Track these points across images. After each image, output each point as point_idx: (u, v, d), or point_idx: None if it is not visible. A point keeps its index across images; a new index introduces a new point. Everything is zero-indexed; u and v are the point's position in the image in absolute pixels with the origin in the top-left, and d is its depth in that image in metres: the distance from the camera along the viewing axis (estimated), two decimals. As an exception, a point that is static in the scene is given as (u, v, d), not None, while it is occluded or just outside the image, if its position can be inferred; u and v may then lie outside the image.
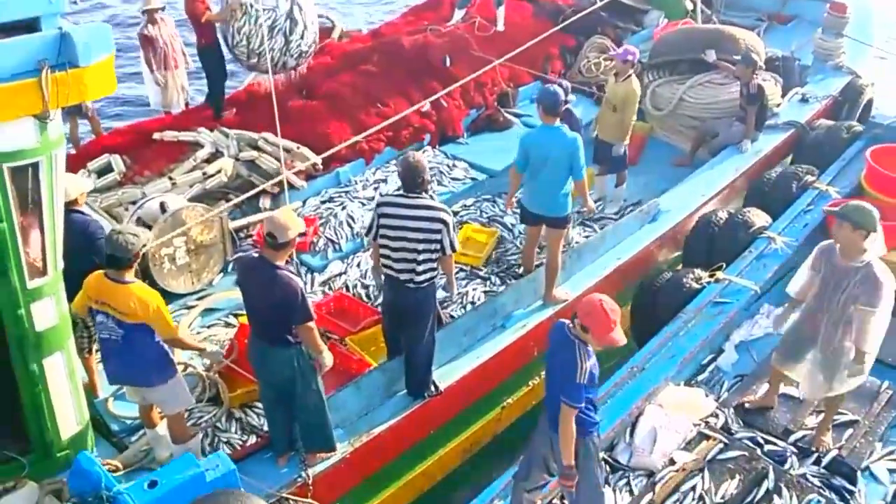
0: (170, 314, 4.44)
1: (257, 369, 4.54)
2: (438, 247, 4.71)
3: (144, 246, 4.49)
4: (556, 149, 5.53)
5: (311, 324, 4.27)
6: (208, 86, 8.78)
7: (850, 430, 5.18)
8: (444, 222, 4.68)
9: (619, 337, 3.87)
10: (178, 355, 5.38)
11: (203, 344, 5.12)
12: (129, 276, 4.36)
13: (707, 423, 5.19)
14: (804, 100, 8.88)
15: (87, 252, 4.76)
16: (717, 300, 6.00)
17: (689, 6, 10.74)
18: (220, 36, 8.41)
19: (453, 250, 4.81)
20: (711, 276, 6.23)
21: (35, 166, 3.85)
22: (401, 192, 4.89)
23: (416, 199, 4.72)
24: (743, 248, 6.54)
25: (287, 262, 4.34)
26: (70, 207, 4.80)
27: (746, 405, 5.34)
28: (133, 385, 4.66)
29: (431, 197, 5.12)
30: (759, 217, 6.82)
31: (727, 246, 6.60)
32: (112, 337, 4.43)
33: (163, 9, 8.89)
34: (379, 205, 4.85)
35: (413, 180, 4.73)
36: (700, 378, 5.61)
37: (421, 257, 4.70)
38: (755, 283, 6.12)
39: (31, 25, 3.62)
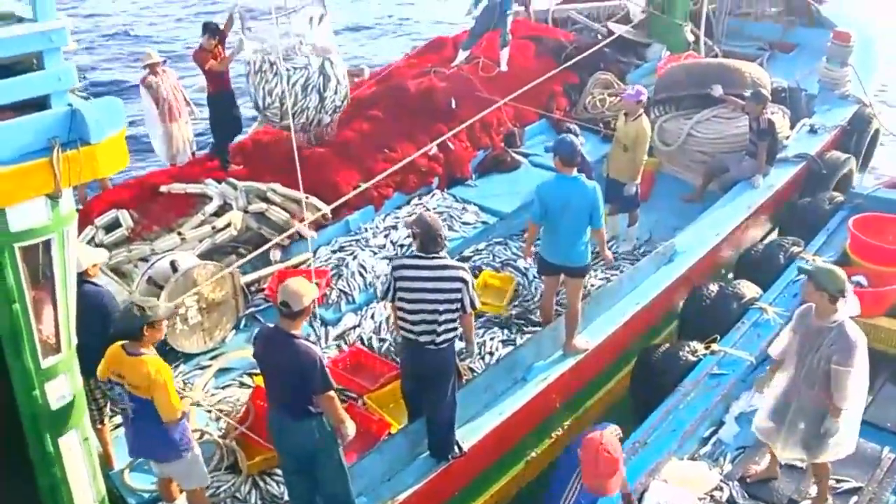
0: (176, 394, 4.28)
1: (277, 442, 4.42)
2: (459, 305, 4.63)
3: (158, 316, 4.36)
4: (575, 199, 5.46)
5: (332, 393, 4.17)
6: (213, 135, 8.73)
7: (854, 498, 5.08)
8: (464, 280, 4.61)
9: (607, 488, 3.83)
10: (194, 422, 5.28)
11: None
12: (144, 348, 4.26)
13: (712, 496, 5.09)
14: (813, 131, 8.85)
15: (101, 324, 4.66)
16: (714, 372, 5.97)
17: (691, 38, 10.78)
18: (231, 84, 8.36)
19: (473, 308, 4.72)
20: (707, 347, 6.19)
21: (47, 243, 3.76)
22: (415, 253, 4.80)
23: (433, 260, 4.64)
24: (736, 319, 6.52)
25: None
26: (82, 278, 4.72)
27: (749, 477, 5.26)
28: (149, 458, 4.54)
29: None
30: (749, 289, 6.81)
31: (720, 318, 6.59)
32: (127, 410, 4.36)
33: (164, 62, 8.91)
34: (395, 268, 4.75)
35: (432, 239, 4.65)
36: (703, 451, 5.53)
37: (442, 318, 4.61)
38: (750, 353, 6.11)
39: (40, 103, 3.55)
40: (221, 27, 8.35)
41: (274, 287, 6.80)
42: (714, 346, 6.16)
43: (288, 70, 7.58)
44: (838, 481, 5.13)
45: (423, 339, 4.65)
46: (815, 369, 4.62)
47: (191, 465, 4.38)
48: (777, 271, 7.17)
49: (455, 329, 4.70)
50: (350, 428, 4.26)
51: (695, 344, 6.23)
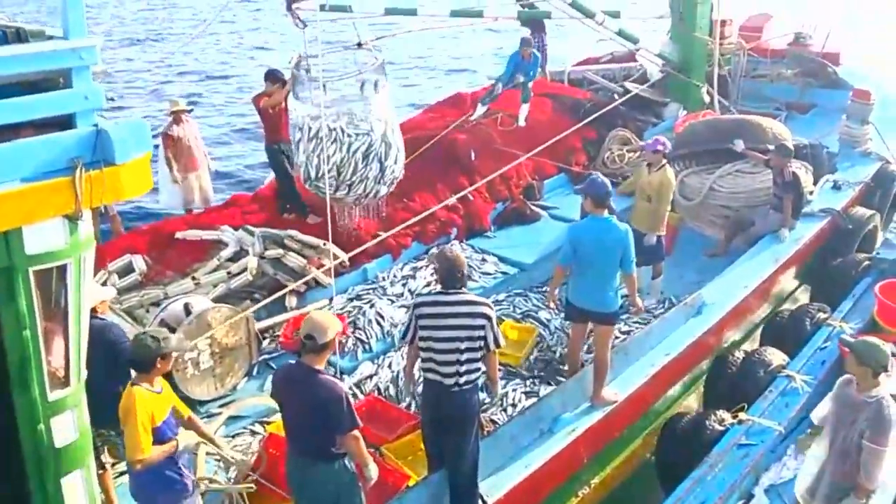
0: (140, 438, 3.97)
1: (296, 487, 4.15)
2: (482, 343, 4.43)
3: (170, 347, 4.16)
4: (607, 241, 5.32)
5: (357, 432, 3.94)
6: (278, 184, 8.38)
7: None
8: (488, 317, 4.43)
9: None
10: (201, 469, 5.01)
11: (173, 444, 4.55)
12: (147, 382, 4.06)
13: None
14: (836, 187, 8.76)
15: (108, 360, 4.47)
16: (742, 442, 5.73)
17: (707, 99, 10.82)
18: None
19: (497, 346, 4.52)
20: (734, 416, 5.97)
21: (62, 269, 3.61)
22: (437, 290, 4.65)
23: (455, 296, 4.48)
24: (763, 387, 6.31)
25: None
26: (90, 315, 4.56)
27: None
28: None
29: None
30: (775, 356, 6.62)
31: (747, 386, 6.38)
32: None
33: (190, 111, 8.95)
34: (416, 305, 4.59)
35: (453, 275, 4.50)
36: None
37: (464, 357, 4.41)
38: (779, 423, 5.88)
39: (65, 122, 3.46)
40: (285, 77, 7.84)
41: (289, 334, 6.61)
42: (742, 416, 5.95)
43: (349, 136, 6.95)
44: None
45: (447, 380, 4.44)
46: (849, 444, 4.47)
47: None
48: (804, 338, 6.98)
49: (478, 370, 4.49)
50: (373, 471, 4.02)
51: (721, 413, 6.03)
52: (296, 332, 6.34)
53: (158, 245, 7.88)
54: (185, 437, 4.42)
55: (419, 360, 4.60)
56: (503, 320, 6.89)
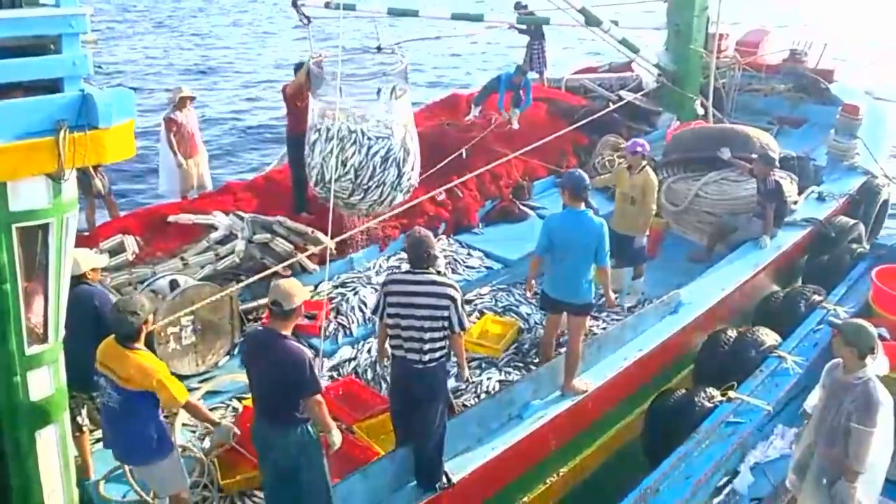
0: (177, 384, 4.21)
1: (260, 451, 4.28)
2: (446, 324, 4.52)
3: (154, 315, 4.32)
4: (582, 233, 5.44)
5: (320, 397, 4.06)
6: (293, 174, 8.33)
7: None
8: (452, 298, 4.51)
9: None
10: (177, 436, 5.14)
11: (217, 419, 4.86)
12: (138, 344, 4.22)
13: None
14: (821, 198, 8.89)
15: (96, 323, 4.62)
16: (730, 420, 5.84)
17: (701, 111, 10.97)
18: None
19: (462, 328, 4.61)
20: (724, 395, 6.08)
21: (45, 228, 3.75)
22: (406, 269, 4.77)
23: (422, 275, 4.58)
24: (754, 367, 6.42)
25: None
26: (81, 281, 4.72)
27: None
28: (129, 464, 4.41)
29: (439, 273, 4.96)
30: (768, 336, 6.74)
31: (738, 365, 6.49)
32: (110, 403, 4.28)
33: (193, 98, 9.13)
34: (385, 283, 4.71)
35: (419, 255, 4.61)
36: (716, 501, 5.36)
37: (427, 336, 4.51)
38: (768, 402, 5.99)
39: (53, 86, 3.61)
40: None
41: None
42: (731, 394, 6.04)
43: (369, 139, 6.76)
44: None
45: (410, 356, 4.55)
46: (835, 427, 4.49)
47: (171, 466, 4.24)
48: (798, 320, 7.06)
49: (443, 349, 4.59)
50: (336, 436, 4.14)
51: (711, 390, 6.11)
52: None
53: (151, 227, 8.01)
54: (226, 422, 4.81)
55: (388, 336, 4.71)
56: (484, 313, 7.02)
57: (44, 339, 3.92)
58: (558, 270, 5.60)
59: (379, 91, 6.69)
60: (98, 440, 5.31)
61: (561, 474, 5.84)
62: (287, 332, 4.07)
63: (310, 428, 4.09)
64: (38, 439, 3.99)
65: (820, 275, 8.17)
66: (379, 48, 7.43)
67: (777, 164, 8.12)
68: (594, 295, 5.73)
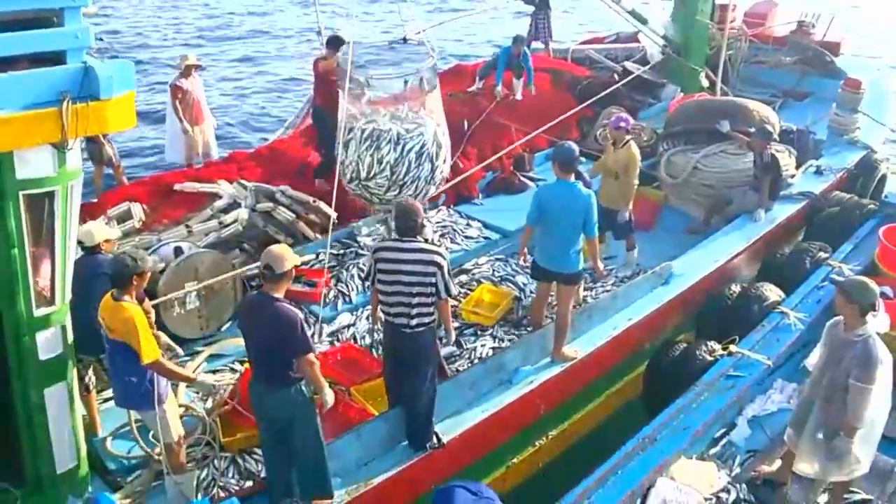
0: (150, 342, 4.34)
1: (257, 411, 4.49)
2: (433, 290, 4.68)
3: (145, 267, 4.48)
4: (571, 205, 5.57)
5: (312, 357, 4.25)
6: (323, 147, 8.51)
7: (863, 510, 5.02)
8: (438, 265, 4.66)
9: None
10: (181, 396, 5.36)
11: (192, 375, 5.04)
12: (128, 295, 4.40)
13: (718, 497, 5.05)
14: (818, 172, 8.93)
15: (105, 292, 4.86)
16: (730, 373, 5.96)
17: (706, 83, 10.97)
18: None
19: (448, 294, 4.76)
20: (725, 348, 6.21)
21: (51, 196, 3.93)
22: (395, 237, 4.92)
23: (409, 243, 4.73)
24: (756, 322, 6.52)
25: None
26: (95, 251, 4.93)
27: (755, 474, 5.24)
28: (126, 407, 4.69)
29: (427, 241, 5.08)
30: (772, 292, 6.84)
31: (740, 319, 6.59)
32: (107, 352, 4.52)
33: (199, 66, 9.24)
34: (375, 250, 4.89)
35: (406, 223, 4.76)
36: (712, 452, 5.51)
37: (415, 300, 4.68)
38: (768, 357, 6.10)
39: (56, 58, 3.75)
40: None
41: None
42: (732, 348, 6.16)
43: (404, 137, 6.80)
44: (848, 492, 5.05)
45: (398, 320, 4.74)
46: (834, 383, 4.54)
47: (161, 417, 4.45)
48: (802, 276, 7.13)
49: (430, 314, 4.75)
50: (329, 395, 4.33)
51: (712, 344, 6.23)
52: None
53: (157, 195, 8.19)
54: (204, 378, 5.04)
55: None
56: (481, 282, 7.18)
57: (51, 301, 4.13)
58: (548, 241, 5.75)
59: (406, 82, 6.79)
60: (106, 399, 5.58)
61: (550, 437, 6.04)
62: (279, 294, 4.24)
63: (303, 387, 4.28)
64: (47, 396, 4.22)
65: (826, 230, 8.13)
66: (405, 39, 7.49)
67: (776, 137, 8.17)
68: (584, 265, 5.87)
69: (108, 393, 5.55)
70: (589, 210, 5.56)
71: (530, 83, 10.29)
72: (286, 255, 4.26)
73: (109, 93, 3.73)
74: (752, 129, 8.18)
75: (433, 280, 4.64)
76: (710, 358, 6.12)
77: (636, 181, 7.21)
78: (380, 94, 6.82)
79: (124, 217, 7.72)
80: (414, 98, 6.84)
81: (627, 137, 7.20)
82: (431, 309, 4.74)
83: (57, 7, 3.70)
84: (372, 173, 6.79)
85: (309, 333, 4.23)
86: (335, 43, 8.10)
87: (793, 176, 8.65)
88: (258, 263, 6.79)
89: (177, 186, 8.24)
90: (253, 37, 21.26)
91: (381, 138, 6.75)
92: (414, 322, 4.70)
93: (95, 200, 8.32)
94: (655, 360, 6.44)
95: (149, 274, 4.54)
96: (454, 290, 4.83)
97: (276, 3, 24.84)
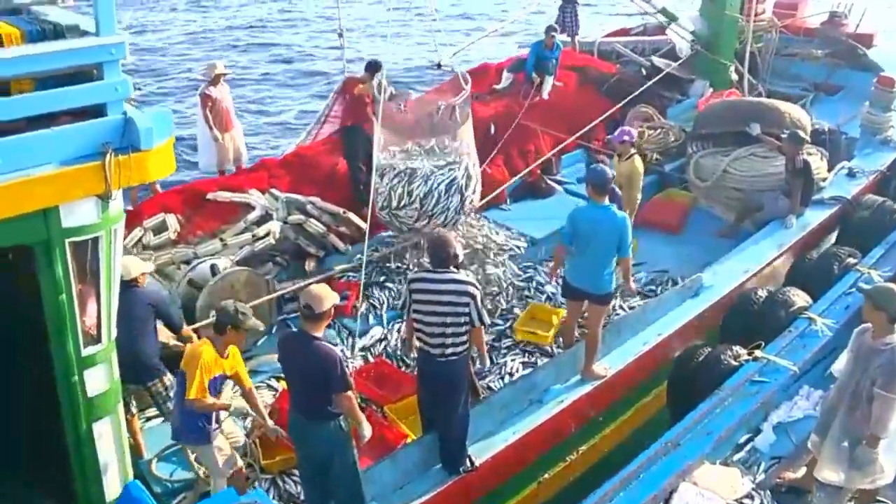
0: (197, 382, 4.55)
1: (296, 443, 4.63)
2: (467, 319, 4.78)
3: (244, 324, 4.72)
4: (605, 227, 5.61)
5: (350, 393, 4.38)
6: (349, 167, 8.51)
7: (890, 519, 5.01)
8: (472, 295, 4.76)
9: None
10: (228, 426, 5.52)
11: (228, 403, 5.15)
12: (218, 343, 4.68)
13: None
14: (851, 174, 8.82)
15: (150, 321, 5.04)
16: (755, 379, 5.95)
17: (735, 77, 10.83)
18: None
19: (482, 323, 4.86)
20: (750, 353, 6.20)
21: (95, 240, 4.04)
22: (427, 268, 5.04)
23: (443, 274, 4.84)
24: (783, 327, 6.50)
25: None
26: (132, 285, 5.08)
27: (779, 480, 5.25)
28: (180, 441, 4.91)
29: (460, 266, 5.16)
30: (799, 297, 6.80)
31: (767, 325, 6.57)
32: (178, 375, 4.78)
33: (227, 74, 9.36)
34: (410, 281, 4.99)
35: (439, 256, 4.87)
36: (736, 458, 5.52)
37: (450, 331, 4.79)
38: (794, 363, 6.08)
39: (97, 110, 3.85)
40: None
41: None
42: (757, 353, 6.15)
43: (434, 173, 7.01)
44: (874, 500, 5.03)
45: (434, 350, 4.85)
46: (860, 391, 4.52)
47: (209, 455, 4.62)
48: (830, 281, 7.08)
49: (464, 343, 4.85)
50: (366, 429, 4.47)
51: (737, 349, 6.22)
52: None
53: (191, 205, 8.31)
54: (238, 403, 5.22)
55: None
56: (531, 301, 7.12)
57: (98, 339, 4.27)
58: (581, 261, 5.79)
59: (439, 109, 6.96)
60: (148, 419, 5.77)
61: (580, 452, 6.11)
62: (318, 333, 4.37)
63: (341, 422, 4.41)
64: (95, 430, 4.37)
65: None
66: (439, 65, 7.54)
67: (807, 141, 8.08)
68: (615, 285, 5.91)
69: (151, 411, 5.77)
70: (624, 232, 5.61)
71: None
72: (325, 296, 4.38)
73: (150, 143, 3.83)
74: (784, 134, 8.09)
75: (467, 310, 4.74)
76: (735, 363, 6.10)
77: (639, 195, 7.25)
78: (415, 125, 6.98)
79: (160, 228, 7.86)
80: (447, 131, 7.00)
81: (632, 150, 7.24)
82: (465, 338, 4.84)
83: (97, 62, 3.78)
84: (402, 203, 6.99)
85: (347, 371, 4.34)
86: (373, 68, 8.17)
87: (824, 179, 8.55)
88: (294, 285, 7.03)
89: (209, 196, 8.36)
90: (278, 43, 21.42)
91: (413, 175, 6.97)
92: (448, 351, 4.80)
93: (131, 208, 8.49)
94: (679, 364, 6.43)
95: (245, 333, 4.74)
96: (487, 319, 4.92)
97: (300, 13, 24.81)
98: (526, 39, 12.18)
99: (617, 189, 6.68)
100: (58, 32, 3.79)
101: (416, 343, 5.01)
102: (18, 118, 3.61)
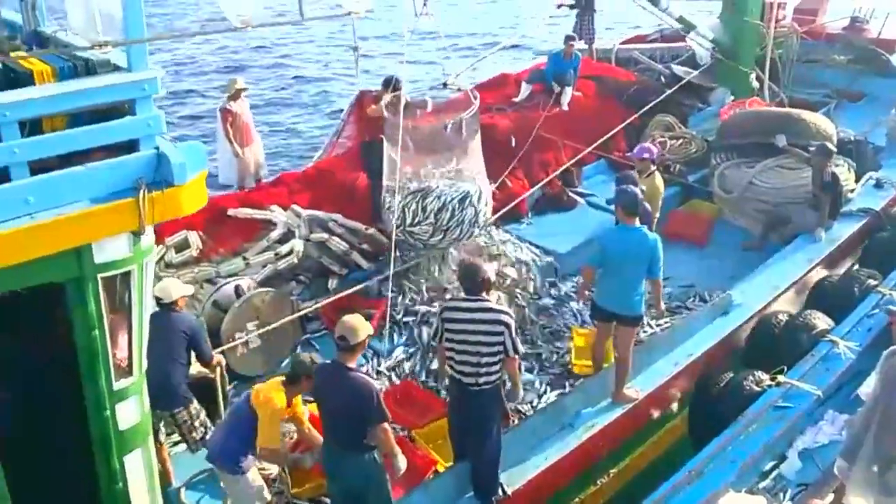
0: (267, 431, 4.60)
1: (329, 473, 4.58)
2: (501, 349, 4.73)
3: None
4: (636, 250, 5.54)
5: (387, 425, 4.35)
6: (370, 180, 8.39)
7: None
8: (506, 324, 4.71)
9: None
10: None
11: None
12: (289, 387, 4.71)
13: None
14: (878, 185, 8.69)
15: (184, 348, 5.05)
16: (778, 404, 5.86)
17: (756, 85, 10.72)
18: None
19: (516, 353, 4.80)
20: (773, 379, 6.09)
21: (127, 274, 4.01)
22: (461, 296, 4.98)
23: (477, 303, 4.78)
24: (805, 351, 6.39)
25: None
26: (171, 308, 5.05)
27: None
28: (214, 463, 4.87)
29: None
30: (820, 320, 6.68)
31: (788, 349, 6.46)
32: (235, 401, 4.84)
33: (246, 89, 9.35)
34: (442, 310, 4.94)
35: (472, 283, 4.82)
36: (762, 485, 5.41)
37: (484, 360, 4.73)
38: (818, 387, 5.97)
39: (130, 145, 3.81)
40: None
41: (328, 311, 6.97)
42: (780, 378, 6.05)
43: (446, 189, 7.09)
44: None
45: (466, 379, 4.79)
46: (889, 415, 4.42)
47: (239, 487, 4.59)
48: (852, 304, 6.98)
49: (497, 372, 4.79)
50: (402, 461, 4.44)
51: (760, 374, 6.13)
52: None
53: (212, 221, 8.27)
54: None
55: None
56: (574, 327, 6.97)
57: (129, 372, 4.22)
58: (611, 283, 5.71)
59: (447, 127, 6.95)
60: (176, 443, 5.73)
61: (611, 475, 6.03)
62: (353, 363, 4.35)
63: (376, 456, 4.36)
64: (126, 462, 4.34)
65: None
66: (445, 84, 7.51)
67: (835, 154, 7.96)
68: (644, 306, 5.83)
69: (176, 436, 5.74)
70: (655, 254, 5.53)
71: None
72: (360, 327, 4.36)
73: (183, 178, 3.77)
74: (812, 147, 7.98)
75: (501, 339, 4.68)
76: (757, 388, 6.00)
77: (657, 214, 7.15)
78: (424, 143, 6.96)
79: (182, 246, 7.83)
80: (456, 145, 6.99)
81: (652, 167, 7.15)
82: (498, 367, 4.78)
83: (130, 98, 3.74)
84: (416, 220, 7.01)
85: (384, 402, 4.30)
86: (388, 84, 8.06)
87: (852, 190, 8.43)
88: (317, 304, 6.98)
89: (231, 212, 8.33)
90: (291, 58, 21.49)
91: (428, 191, 7.02)
92: (482, 380, 4.75)
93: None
94: (700, 391, 6.31)
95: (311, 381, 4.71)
96: (521, 348, 4.86)
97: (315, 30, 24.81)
98: (544, 47, 12.06)
99: (647, 206, 6.61)
100: (90, 68, 3.75)
101: (448, 371, 4.94)
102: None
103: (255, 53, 22.21)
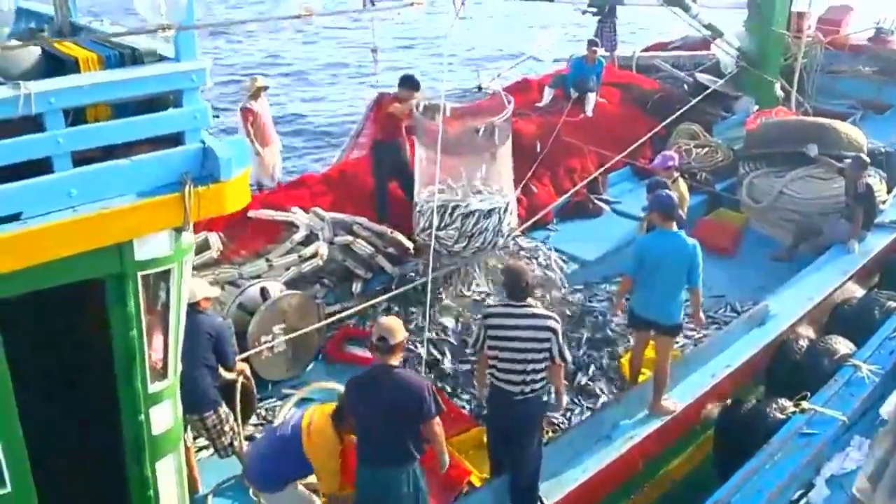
0: (327, 479, 4.50)
1: (363, 496, 4.38)
2: (548, 355, 4.59)
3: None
4: (675, 255, 5.40)
5: (439, 418, 4.26)
6: (376, 184, 8.31)
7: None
8: (554, 330, 4.58)
9: None
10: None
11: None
12: (340, 430, 4.53)
13: None
14: (911, 197, 8.56)
15: (209, 350, 4.91)
16: (804, 431, 5.70)
17: (781, 95, 10.61)
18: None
19: (563, 360, 4.67)
20: (797, 405, 5.94)
21: (166, 273, 3.86)
22: (505, 301, 4.82)
23: (522, 308, 4.65)
24: (827, 377, 6.24)
25: None
26: (195, 309, 4.90)
27: None
28: (258, 486, 4.73)
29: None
30: (841, 345, 6.54)
31: (811, 375, 6.33)
32: (282, 430, 4.62)
33: (267, 88, 9.24)
34: (485, 316, 4.79)
35: (518, 286, 4.67)
36: None
37: (530, 367, 4.59)
38: (843, 412, 5.83)
39: (175, 138, 3.67)
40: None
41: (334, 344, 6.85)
42: (804, 404, 5.91)
43: (474, 197, 7.08)
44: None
45: (511, 388, 4.64)
46: None
47: (285, 495, 4.46)
48: (873, 327, 6.83)
49: (542, 379, 4.66)
50: (446, 458, 4.38)
51: (783, 401, 6.00)
52: (343, 341, 6.74)
53: (233, 222, 8.12)
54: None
55: (488, 367, 4.77)
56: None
57: (164, 374, 4.07)
58: (650, 291, 5.57)
59: (478, 131, 6.86)
60: (201, 448, 5.58)
61: (646, 488, 5.89)
62: (396, 362, 4.23)
63: (416, 471, 4.21)
64: (158, 469, 4.18)
65: None
66: (479, 87, 7.40)
67: (869, 165, 7.84)
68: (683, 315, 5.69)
69: (201, 441, 5.58)
70: (694, 260, 5.39)
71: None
72: (397, 327, 4.25)
73: (229, 174, 3.63)
74: (843, 153, 7.87)
75: (548, 346, 4.55)
76: (781, 416, 5.86)
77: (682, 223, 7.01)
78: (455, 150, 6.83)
79: (202, 247, 7.67)
80: (486, 149, 6.92)
81: (675, 175, 7.04)
82: (543, 374, 4.64)
83: (177, 88, 3.60)
84: (443, 224, 6.92)
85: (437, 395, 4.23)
86: (409, 84, 7.80)
87: (884, 202, 8.31)
88: (346, 311, 6.83)
89: (251, 214, 8.19)
90: (310, 56, 21.42)
91: (457, 210, 6.94)
92: (527, 388, 4.61)
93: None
94: (723, 421, 6.16)
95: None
96: (569, 355, 4.72)
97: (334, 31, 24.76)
98: (567, 51, 11.96)
99: (682, 213, 6.48)
100: (136, 58, 3.62)
101: (488, 380, 4.79)
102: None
103: (267, 56, 22.15)
